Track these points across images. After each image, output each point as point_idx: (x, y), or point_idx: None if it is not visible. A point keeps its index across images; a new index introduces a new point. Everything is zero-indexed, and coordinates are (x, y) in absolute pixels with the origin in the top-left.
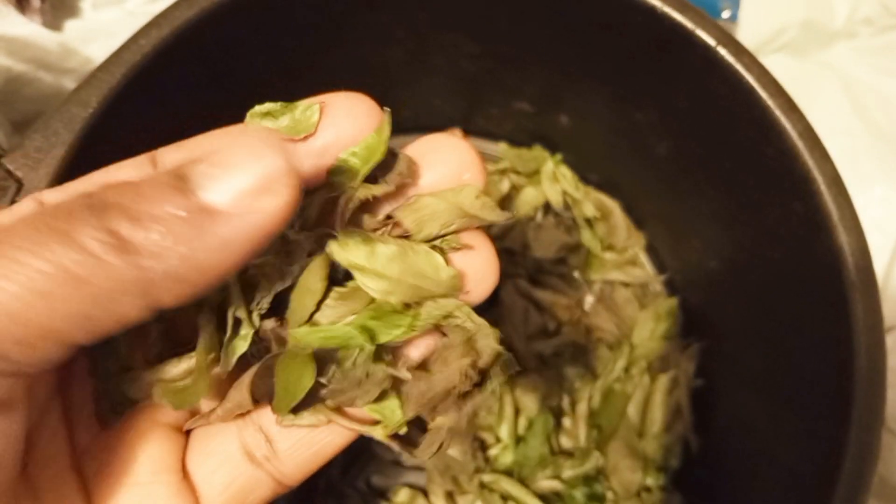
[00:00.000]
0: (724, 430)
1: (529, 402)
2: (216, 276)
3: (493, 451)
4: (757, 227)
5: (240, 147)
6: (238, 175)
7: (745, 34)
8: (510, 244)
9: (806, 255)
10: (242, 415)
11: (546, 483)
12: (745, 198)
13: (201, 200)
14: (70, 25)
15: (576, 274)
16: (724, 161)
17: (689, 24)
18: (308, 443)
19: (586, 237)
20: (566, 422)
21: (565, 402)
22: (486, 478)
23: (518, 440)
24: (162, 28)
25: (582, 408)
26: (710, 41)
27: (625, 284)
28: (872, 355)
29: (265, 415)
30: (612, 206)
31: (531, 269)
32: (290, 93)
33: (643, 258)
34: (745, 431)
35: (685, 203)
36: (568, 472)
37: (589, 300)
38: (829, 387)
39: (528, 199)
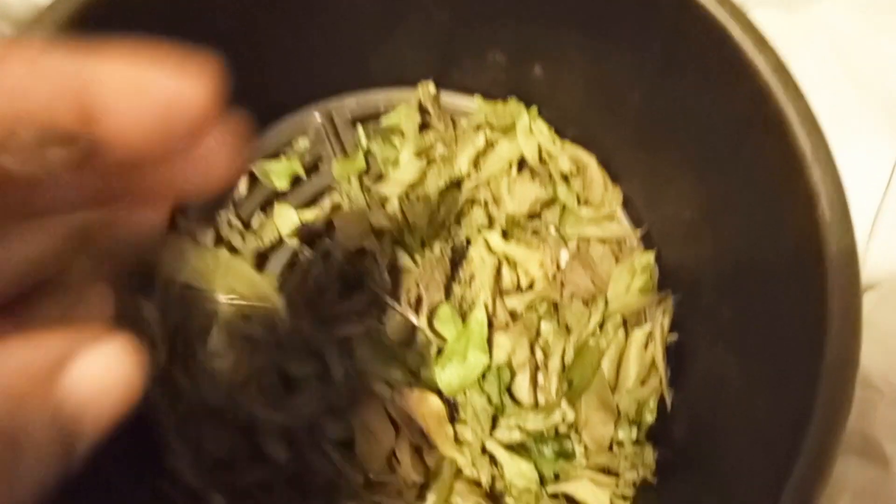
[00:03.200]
0: (700, 384)
1: (497, 356)
2: None
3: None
4: (731, 173)
5: None
6: None
7: None
8: (483, 197)
9: (780, 196)
10: None
11: (507, 434)
12: (720, 142)
13: None
14: None
15: (551, 230)
16: (697, 105)
17: None
18: None
19: (562, 193)
20: (539, 377)
21: (538, 356)
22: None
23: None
24: None
25: (554, 362)
26: None
27: (601, 240)
28: (846, 294)
29: None
30: (589, 160)
31: (505, 223)
32: (257, 47)
33: (620, 213)
34: (719, 385)
35: (660, 153)
36: (532, 424)
37: (564, 256)
38: (803, 332)
39: (503, 153)
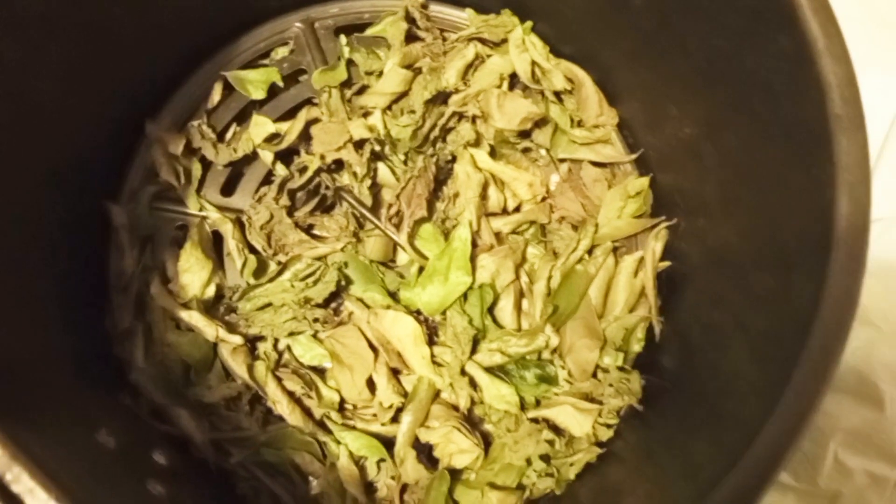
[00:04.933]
0: (692, 310)
1: (480, 277)
2: None
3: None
4: (738, 76)
5: None
6: None
7: None
8: (471, 111)
9: (790, 96)
10: None
11: (488, 357)
12: (727, 43)
13: None
14: None
15: (542, 151)
16: (705, 4)
17: None
18: None
19: (554, 111)
20: (524, 302)
21: (523, 280)
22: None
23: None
24: None
25: (539, 287)
26: None
27: (594, 164)
28: (856, 194)
29: None
30: (584, 78)
31: (493, 140)
32: None
33: (615, 136)
34: (713, 305)
35: (661, 66)
36: (514, 348)
37: (554, 179)
38: (811, 239)
39: (494, 67)
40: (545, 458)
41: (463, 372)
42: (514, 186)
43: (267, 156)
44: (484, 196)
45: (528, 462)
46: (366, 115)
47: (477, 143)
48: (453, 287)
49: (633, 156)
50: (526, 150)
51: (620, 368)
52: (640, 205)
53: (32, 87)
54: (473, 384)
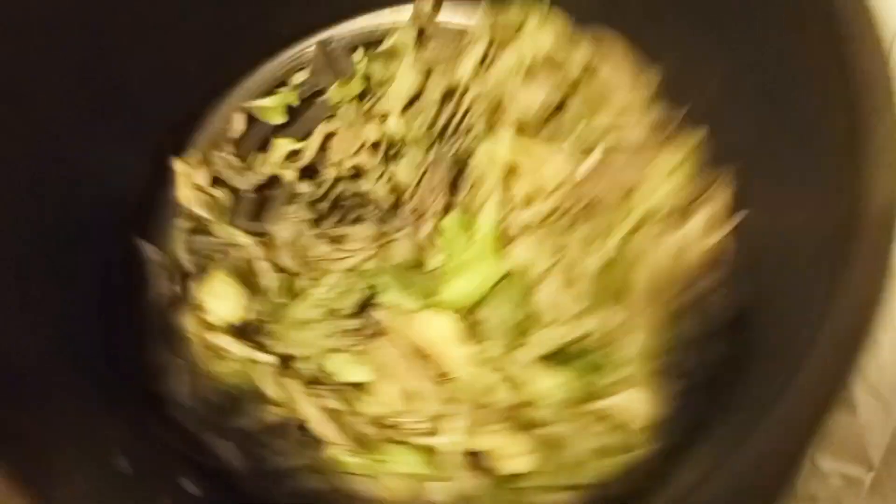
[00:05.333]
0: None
1: (517, 265)
2: None
3: None
4: None
5: None
6: None
7: None
8: (485, 103)
9: None
10: None
11: (534, 348)
12: None
13: None
14: None
15: (573, 130)
16: None
17: None
18: None
19: (579, 93)
20: (566, 284)
21: (566, 261)
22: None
23: None
24: None
25: (585, 266)
26: None
27: (629, 139)
28: None
29: None
30: (614, 43)
31: (513, 131)
32: None
33: (651, 104)
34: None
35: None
36: (560, 336)
37: (588, 163)
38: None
39: (510, 57)
40: (606, 452)
41: (508, 367)
42: (542, 173)
43: (289, 174)
44: (508, 186)
45: (588, 458)
46: (382, 120)
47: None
48: (485, 276)
49: (673, 119)
50: (552, 135)
51: (680, 348)
52: (687, 172)
53: (51, 131)
54: (521, 380)
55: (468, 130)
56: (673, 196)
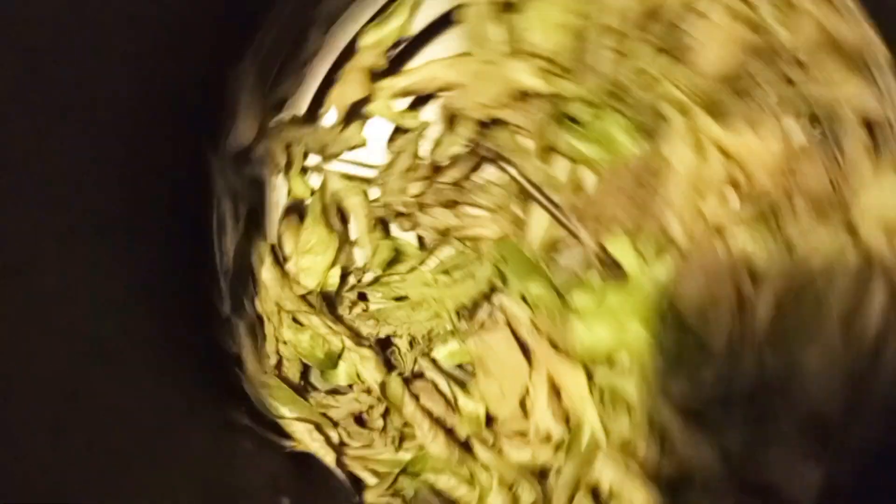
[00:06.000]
0: None
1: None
2: None
3: None
4: None
5: None
6: None
7: None
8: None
9: None
10: None
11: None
12: None
13: None
14: None
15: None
16: None
17: None
18: None
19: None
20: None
21: (744, 289)
22: None
23: None
24: None
25: (764, 300)
26: None
27: (854, 111)
28: None
29: None
30: None
31: (702, 93)
32: None
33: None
34: None
35: None
36: (721, 382)
37: (798, 139)
38: None
39: None
40: None
41: (652, 420)
42: (749, 167)
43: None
44: (703, 192)
45: None
46: (533, 53)
47: (691, 97)
48: (622, 338)
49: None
50: (746, 94)
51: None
52: None
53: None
54: (662, 434)
55: (658, 89)
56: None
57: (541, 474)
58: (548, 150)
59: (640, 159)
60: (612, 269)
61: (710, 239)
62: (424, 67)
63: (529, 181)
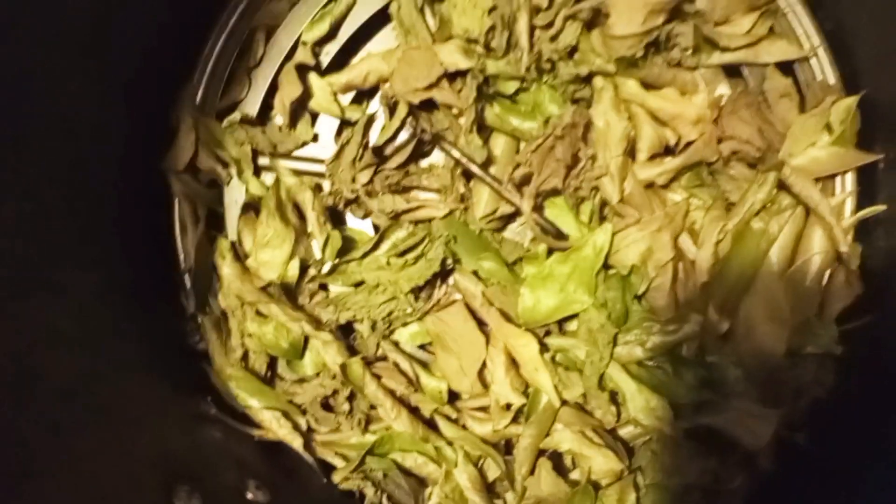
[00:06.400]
0: None
1: (627, 259)
2: None
3: None
4: None
5: None
6: None
7: None
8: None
9: None
10: None
11: (626, 349)
12: None
13: None
14: None
15: (699, 58)
16: None
17: None
18: None
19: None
20: (680, 273)
21: (687, 249)
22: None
23: None
24: None
25: (704, 254)
26: None
27: (780, 71)
28: None
29: None
30: None
31: (619, 54)
32: None
33: (798, 20)
34: None
35: None
36: (657, 336)
37: (723, 92)
38: None
39: None
40: (708, 489)
41: (601, 381)
42: (676, 123)
43: (338, 102)
44: (631, 149)
45: (687, 490)
46: (458, 34)
47: (611, 60)
48: (567, 304)
49: (810, 50)
50: (673, 63)
51: (812, 357)
52: (843, 132)
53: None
54: (615, 393)
55: (579, 56)
56: (823, 160)
57: (507, 450)
58: (480, 126)
59: (568, 126)
60: (554, 236)
61: (646, 197)
62: (362, 62)
63: (469, 158)
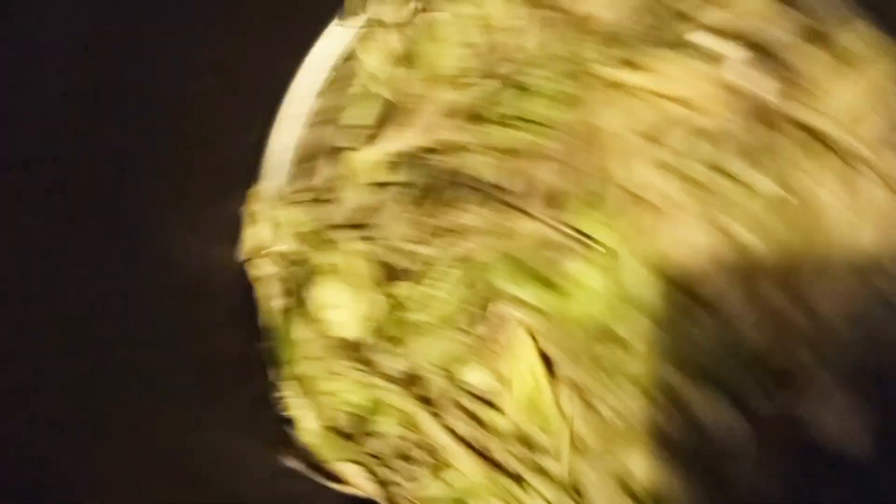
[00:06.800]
0: None
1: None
2: None
3: None
4: None
5: None
6: None
7: None
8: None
9: None
10: None
11: None
12: None
13: None
14: None
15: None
16: None
17: None
18: None
19: None
20: None
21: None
22: None
23: None
24: None
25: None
26: None
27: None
28: None
29: None
30: None
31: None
32: None
33: None
34: None
35: None
36: None
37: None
38: None
39: None
40: None
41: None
42: (685, 99)
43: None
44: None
45: None
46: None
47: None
48: (618, 313)
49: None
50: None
51: None
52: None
53: None
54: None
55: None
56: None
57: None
58: (492, 152)
59: (571, 128)
60: (592, 248)
61: (678, 189)
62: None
63: (494, 186)
